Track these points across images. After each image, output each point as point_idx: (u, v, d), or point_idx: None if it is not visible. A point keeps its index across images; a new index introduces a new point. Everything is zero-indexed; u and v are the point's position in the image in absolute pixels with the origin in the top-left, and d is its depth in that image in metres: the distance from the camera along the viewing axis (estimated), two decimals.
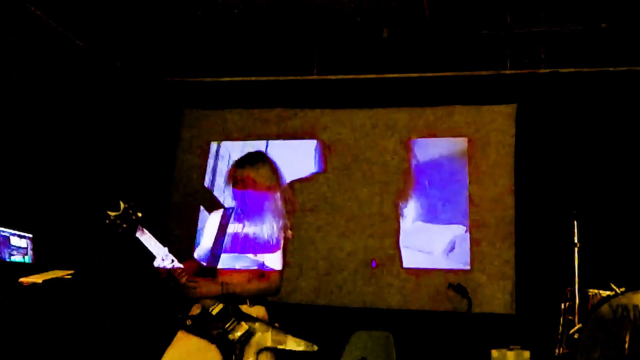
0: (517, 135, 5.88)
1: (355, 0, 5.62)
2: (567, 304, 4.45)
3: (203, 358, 3.08)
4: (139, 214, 3.07)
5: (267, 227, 3.32)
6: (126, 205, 3.07)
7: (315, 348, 3.07)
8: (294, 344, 3.10)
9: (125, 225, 3.05)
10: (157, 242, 3.14)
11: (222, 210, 3.49)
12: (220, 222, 3.41)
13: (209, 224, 3.48)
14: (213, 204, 5.93)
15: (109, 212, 3.06)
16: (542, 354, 4.82)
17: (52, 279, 4.18)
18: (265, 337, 3.10)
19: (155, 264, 3.17)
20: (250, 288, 3.23)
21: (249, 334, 3.09)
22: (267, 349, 3.11)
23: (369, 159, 6.19)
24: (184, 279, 3.16)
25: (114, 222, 3.05)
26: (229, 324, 3.11)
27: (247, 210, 3.38)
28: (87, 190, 5.54)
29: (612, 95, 5.60)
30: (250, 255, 3.31)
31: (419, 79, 6.09)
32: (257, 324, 3.13)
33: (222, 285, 3.19)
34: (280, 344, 3.10)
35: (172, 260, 3.15)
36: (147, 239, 3.12)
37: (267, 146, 6.31)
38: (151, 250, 3.13)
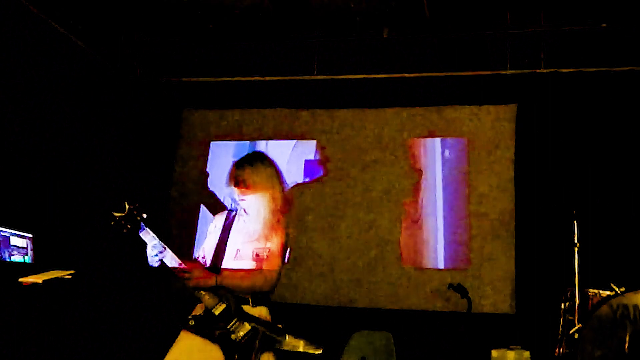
0: (517, 135, 5.89)
1: (355, 0, 5.61)
2: (567, 304, 4.46)
3: (205, 358, 3.08)
4: (144, 215, 3.09)
5: (268, 227, 3.33)
6: (131, 207, 3.09)
7: (319, 351, 3.07)
8: (296, 345, 3.10)
9: (129, 226, 3.07)
10: (161, 242, 3.15)
11: (226, 212, 3.51)
12: (223, 224, 3.42)
13: (213, 225, 3.49)
14: (216, 205, 5.93)
15: (114, 214, 3.07)
16: (542, 354, 4.82)
17: (52, 279, 4.18)
18: (267, 337, 3.10)
19: (153, 262, 3.18)
20: (245, 283, 3.24)
21: (252, 334, 3.09)
22: (269, 349, 3.11)
23: (368, 159, 6.19)
24: (180, 273, 3.17)
25: (118, 223, 3.06)
26: (231, 324, 3.11)
27: (247, 211, 3.39)
28: (87, 190, 5.55)
29: (612, 95, 5.61)
30: (251, 255, 3.32)
31: (419, 79, 6.09)
32: (259, 325, 3.13)
33: (217, 277, 3.20)
34: (283, 345, 3.10)
35: (172, 259, 3.17)
36: (150, 239, 3.13)
37: (266, 146, 6.31)
38: (153, 249, 3.14)
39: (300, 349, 3.09)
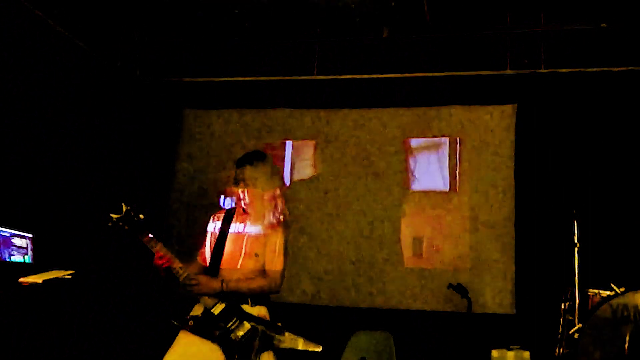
0: (517, 135, 5.88)
1: (356, 0, 5.61)
2: (567, 304, 4.46)
3: (205, 358, 3.09)
4: (141, 216, 3.09)
5: (268, 227, 3.33)
6: (128, 208, 3.09)
7: (319, 348, 3.07)
8: (296, 344, 3.10)
9: (127, 227, 3.07)
10: (161, 244, 3.16)
11: (224, 212, 3.51)
12: (222, 223, 3.42)
13: (211, 225, 3.50)
14: (216, 205, 5.93)
15: (111, 215, 3.08)
16: (542, 354, 4.82)
17: (52, 279, 4.18)
18: (267, 336, 3.11)
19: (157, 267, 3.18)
20: (250, 286, 3.24)
21: (251, 334, 3.10)
22: (269, 348, 3.12)
23: (369, 159, 6.19)
24: (182, 277, 3.17)
25: (116, 224, 3.07)
26: (231, 324, 3.12)
27: (248, 210, 3.39)
28: (87, 190, 5.54)
29: (612, 95, 5.60)
30: (251, 254, 3.32)
31: (419, 79, 6.08)
32: (259, 324, 3.14)
33: (222, 283, 3.20)
34: (282, 344, 3.11)
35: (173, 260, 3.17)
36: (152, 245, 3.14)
37: (266, 146, 6.30)
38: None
39: (300, 347, 3.10)
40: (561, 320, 4.45)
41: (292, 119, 6.41)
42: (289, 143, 6.41)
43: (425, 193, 6.07)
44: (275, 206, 3.37)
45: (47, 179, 5.17)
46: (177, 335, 3.21)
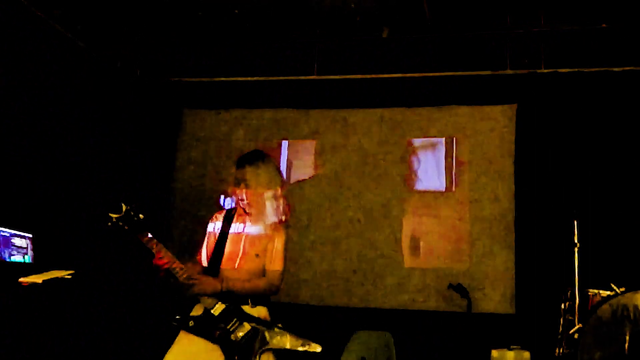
0: (517, 135, 5.89)
1: (355, 0, 5.61)
2: (567, 304, 4.46)
3: (205, 358, 3.08)
4: (141, 216, 3.08)
5: (269, 227, 3.33)
6: (128, 207, 3.08)
7: (319, 348, 3.07)
8: (296, 344, 3.10)
9: (127, 227, 3.06)
10: (161, 244, 3.15)
11: (224, 212, 3.51)
12: (222, 223, 3.42)
13: (211, 225, 3.49)
14: (216, 206, 5.93)
15: (110, 215, 3.06)
16: (542, 354, 4.82)
17: (52, 279, 4.19)
18: (267, 337, 3.10)
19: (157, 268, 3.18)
20: (249, 286, 3.24)
21: (252, 335, 3.10)
22: (269, 349, 3.11)
23: (369, 159, 6.19)
24: (182, 277, 3.16)
25: (115, 224, 3.06)
26: (231, 325, 3.12)
27: (248, 210, 3.39)
28: (87, 190, 5.55)
29: (612, 95, 5.60)
30: (251, 255, 3.32)
31: (419, 79, 6.08)
32: (259, 325, 3.13)
33: (222, 282, 3.20)
34: (283, 345, 3.10)
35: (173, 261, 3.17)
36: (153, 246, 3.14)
37: (266, 146, 6.30)
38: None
39: (299, 348, 3.09)
40: (561, 320, 4.45)
41: (292, 119, 6.41)
42: (289, 143, 6.40)
43: (426, 193, 6.07)
44: (276, 206, 3.36)
45: (47, 179, 5.18)
46: (177, 335, 3.20)
